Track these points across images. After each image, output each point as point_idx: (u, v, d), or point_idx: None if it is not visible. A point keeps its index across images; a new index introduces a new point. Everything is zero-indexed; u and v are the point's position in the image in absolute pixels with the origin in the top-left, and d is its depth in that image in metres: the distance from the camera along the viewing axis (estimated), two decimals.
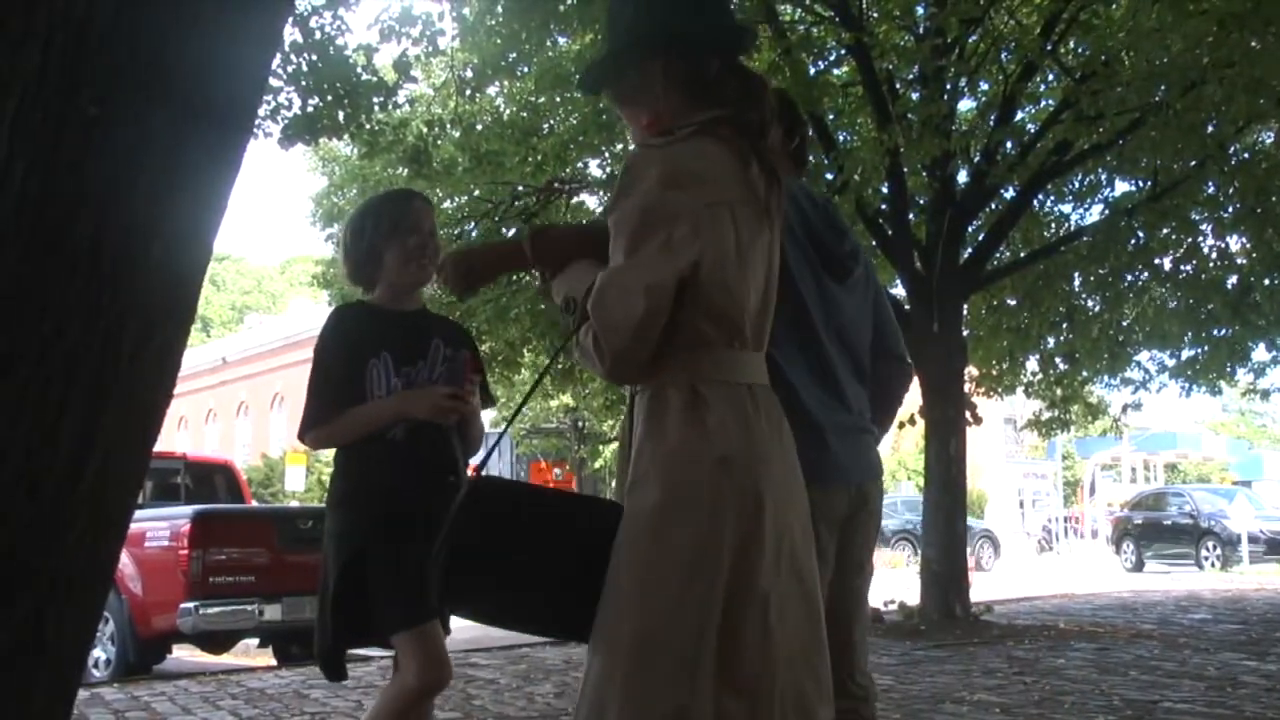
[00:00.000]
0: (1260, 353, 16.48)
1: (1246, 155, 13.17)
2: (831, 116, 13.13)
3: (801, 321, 3.02)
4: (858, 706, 3.06)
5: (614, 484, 2.58)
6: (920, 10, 12.66)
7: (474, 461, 3.75)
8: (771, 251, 2.57)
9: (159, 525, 10.62)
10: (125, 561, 10.39)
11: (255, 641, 12.12)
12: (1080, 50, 12.65)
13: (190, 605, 10.14)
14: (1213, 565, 27.14)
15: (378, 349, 3.67)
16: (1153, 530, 29.56)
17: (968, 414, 13.18)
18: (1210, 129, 11.46)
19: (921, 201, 13.50)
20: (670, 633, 2.32)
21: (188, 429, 57.97)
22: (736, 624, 2.35)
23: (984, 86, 13.94)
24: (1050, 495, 44.51)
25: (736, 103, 2.57)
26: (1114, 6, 11.68)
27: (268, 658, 11.91)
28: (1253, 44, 9.51)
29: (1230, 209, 13.56)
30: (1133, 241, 14.13)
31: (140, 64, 1.88)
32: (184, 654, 11.87)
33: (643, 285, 2.36)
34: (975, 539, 31.65)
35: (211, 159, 2.01)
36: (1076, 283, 15.49)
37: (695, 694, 2.30)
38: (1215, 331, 15.52)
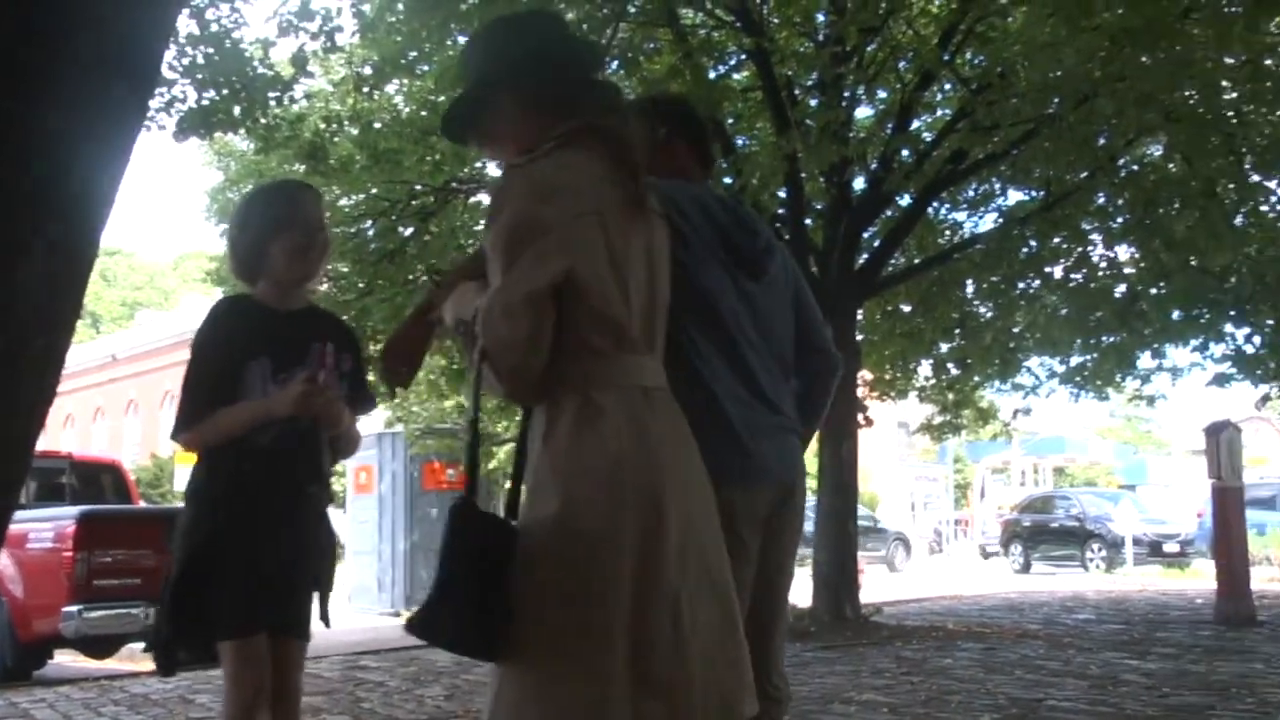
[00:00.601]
0: (1146, 360, 16.80)
1: (1136, 167, 13.42)
2: (730, 121, 13.20)
3: (717, 323, 3.04)
4: (771, 708, 3.07)
5: (508, 486, 2.62)
6: (820, 18, 12.77)
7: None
8: (653, 252, 2.63)
9: (42, 526, 10.42)
10: (6, 563, 10.21)
11: (141, 646, 11.92)
12: (976, 61, 12.82)
13: (73, 609, 9.95)
14: (1097, 567, 27.66)
15: (258, 351, 3.60)
16: (1040, 532, 30.09)
17: (859, 417, 13.32)
18: (1101, 141, 11.67)
19: (818, 207, 13.61)
20: (581, 637, 2.36)
21: (74, 427, 56.83)
22: (647, 624, 2.38)
23: (882, 95, 14.08)
24: (941, 498, 45.08)
25: (592, 113, 2.64)
26: (1010, 20, 11.85)
27: (152, 662, 11.71)
28: (1143, 59, 9.70)
29: (1119, 220, 13.83)
30: (1025, 250, 14.36)
31: (30, 50, 1.85)
32: (66, 659, 11.65)
33: (522, 297, 2.41)
34: (889, 540, 32.12)
35: (105, 143, 1.98)
36: (969, 289, 15.69)
37: (611, 696, 2.34)
38: (1103, 339, 15.79)
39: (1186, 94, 10.79)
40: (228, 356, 3.59)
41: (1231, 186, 12.96)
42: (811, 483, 15.37)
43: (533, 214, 2.46)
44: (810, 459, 17.54)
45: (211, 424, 3.56)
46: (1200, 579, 21.75)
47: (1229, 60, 10.38)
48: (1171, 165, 13.28)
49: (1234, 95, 11.39)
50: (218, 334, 3.66)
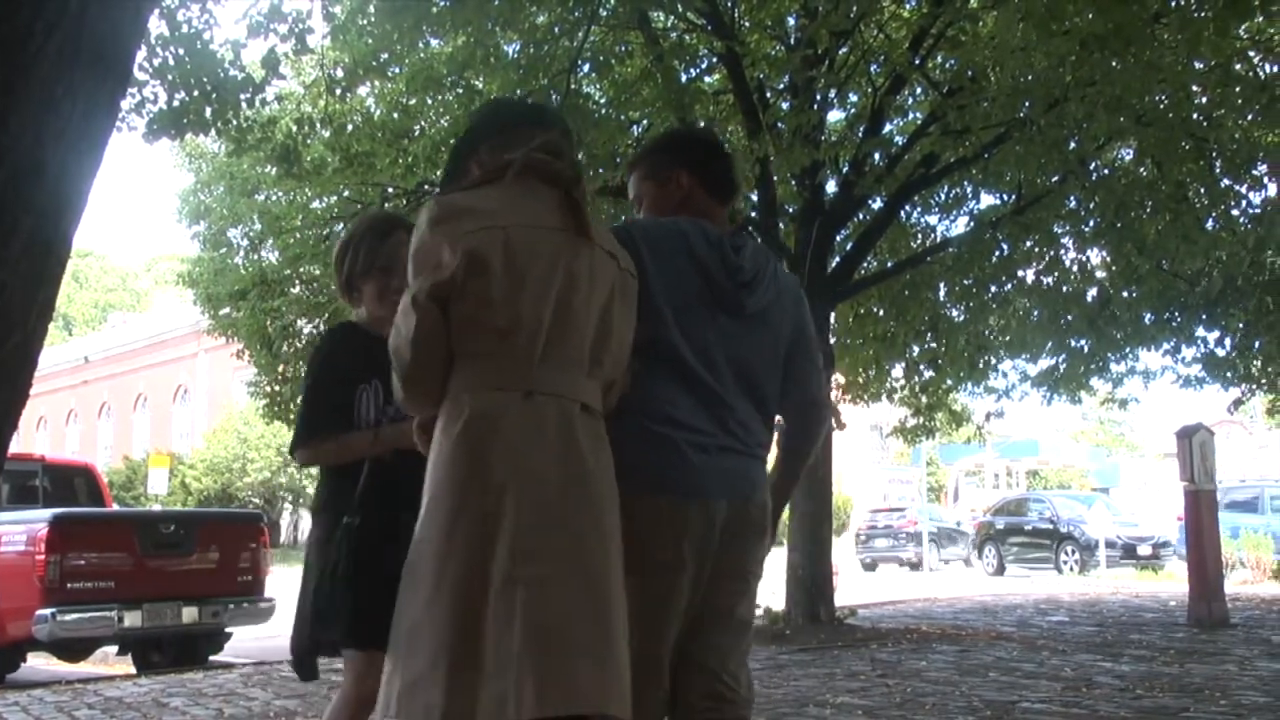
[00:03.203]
0: (1118, 364, 16.87)
1: (1107, 171, 13.48)
2: (702, 124, 13.21)
3: (678, 353, 3.16)
4: (724, 708, 3.20)
5: None
6: (791, 21, 12.80)
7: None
8: (577, 272, 2.84)
9: (15, 529, 10.37)
10: None
11: (115, 649, 11.87)
12: (947, 65, 12.86)
13: (47, 612, 9.89)
14: (1071, 569, 27.78)
15: (369, 376, 3.74)
16: (1014, 535, 30.17)
17: (832, 420, 13.31)
18: (1072, 145, 11.71)
19: (791, 210, 13.63)
20: (426, 625, 2.62)
21: (47, 429, 56.62)
22: (481, 609, 2.60)
23: (853, 98, 14.11)
24: (915, 501, 45.15)
25: (524, 151, 2.95)
26: (981, 24, 11.89)
27: (127, 666, 11.68)
28: (1113, 64, 9.74)
29: (1091, 223, 13.87)
30: (996, 253, 14.41)
31: (4, 49, 1.83)
32: (39, 662, 11.59)
33: (409, 303, 2.75)
34: (969, 541, 32.41)
35: (77, 143, 1.97)
36: (942, 293, 15.71)
37: (451, 679, 2.57)
38: (1074, 342, 15.86)
39: (1157, 98, 10.84)
40: (343, 380, 3.77)
41: (1202, 190, 13.04)
42: None
43: (428, 236, 2.77)
44: None
45: (337, 447, 3.74)
46: (1174, 581, 21.85)
47: (1199, 65, 10.44)
48: (1142, 169, 13.34)
49: (1204, 100, 11.45)
50: (334, 358, 3.85)
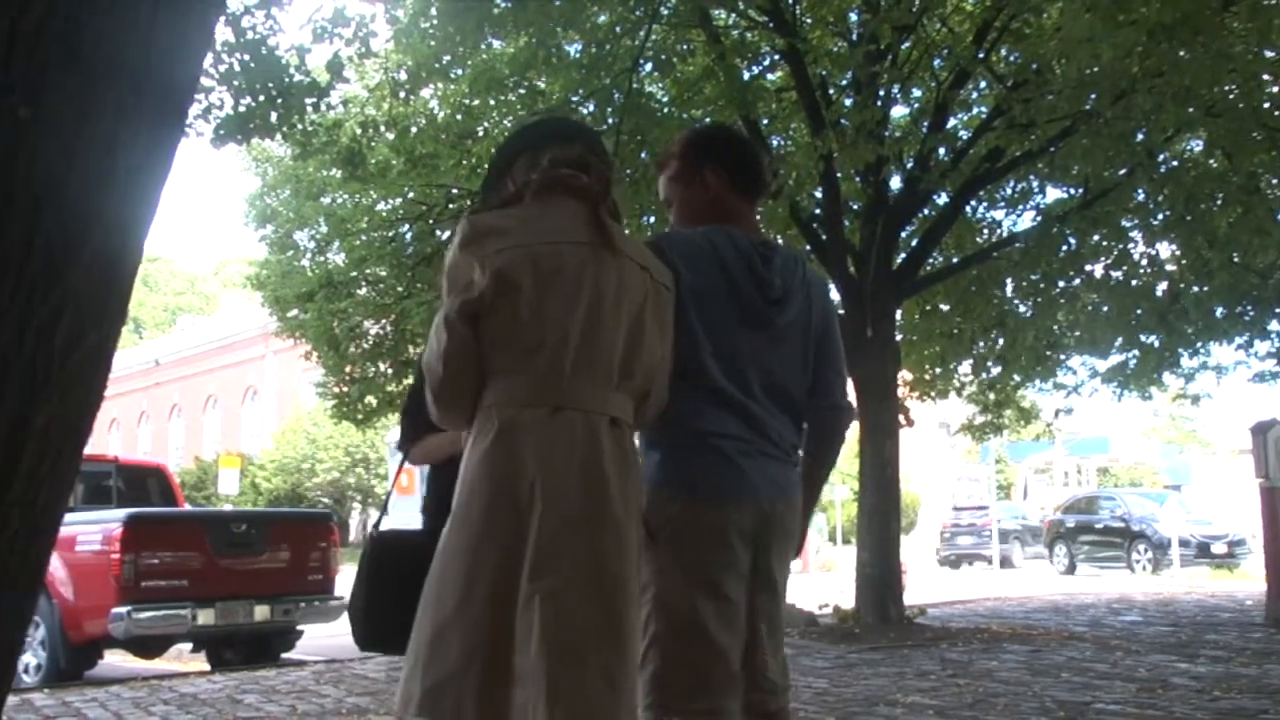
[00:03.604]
0: (1190, 359, 16.66)
1: (1175, 163, 13.32)
2: (765, 122, 13.19)
3: (703, 364, 3.20)
4: (765, 700, 3.26)
5: None
6: (853, 17, 12.75)
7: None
8: (602, 283, 2.86)
9: (90, 529, 10.51)
10: (56, 566, 10.29)
11: (188, 646, 12.02)
12: (1012, 58, 12.76)
13: (122, 610, 10.04)
14: (1144, 568, 27.44)
15: None
16: (1085, 533, 29.86)
17: (900, 417, 13.25)
18: (1140, 137, 11.59)
19: (855, 207, 13.58)
20: (456, 628, 2.68)
21: (120, 431, 57.38)
22: (511, 618, 2.66)
23: (917, 93, 14.04)
24: (984, 499, 44.85)
25: (550, 168, 2.99)
26: (1045, 16, 11.79)
27: (201, 663, 11.81)
28: (1181, 54, 9.63)
29: (1160, 216, 13.71)
30: (1064, 248, 14.26)
31: (75, 59, 1.86)
32: (116, 659, 11.75)
33: (440, 321, 2.82)
34: None
35: (146, 152, 1.99)
36: (1008, 288, 15.60)
37: (486, 681, 2.64)
38: (1144, 337, 15.68)
39: (1227, 88, 10.70)
40: None
41: (1275, 182, 12.85)
42: (853, 484, 15.36)
43: (458, 257, 2.83)
44: (851, 460, 17.46)
45: (430, 444, 3.82)
46: (1250, 581, 21.55)
47: (1269, 54, 10.29)
48: (1212, 161, 13.16)
49: (1275, 89, 11.29)
50: None
